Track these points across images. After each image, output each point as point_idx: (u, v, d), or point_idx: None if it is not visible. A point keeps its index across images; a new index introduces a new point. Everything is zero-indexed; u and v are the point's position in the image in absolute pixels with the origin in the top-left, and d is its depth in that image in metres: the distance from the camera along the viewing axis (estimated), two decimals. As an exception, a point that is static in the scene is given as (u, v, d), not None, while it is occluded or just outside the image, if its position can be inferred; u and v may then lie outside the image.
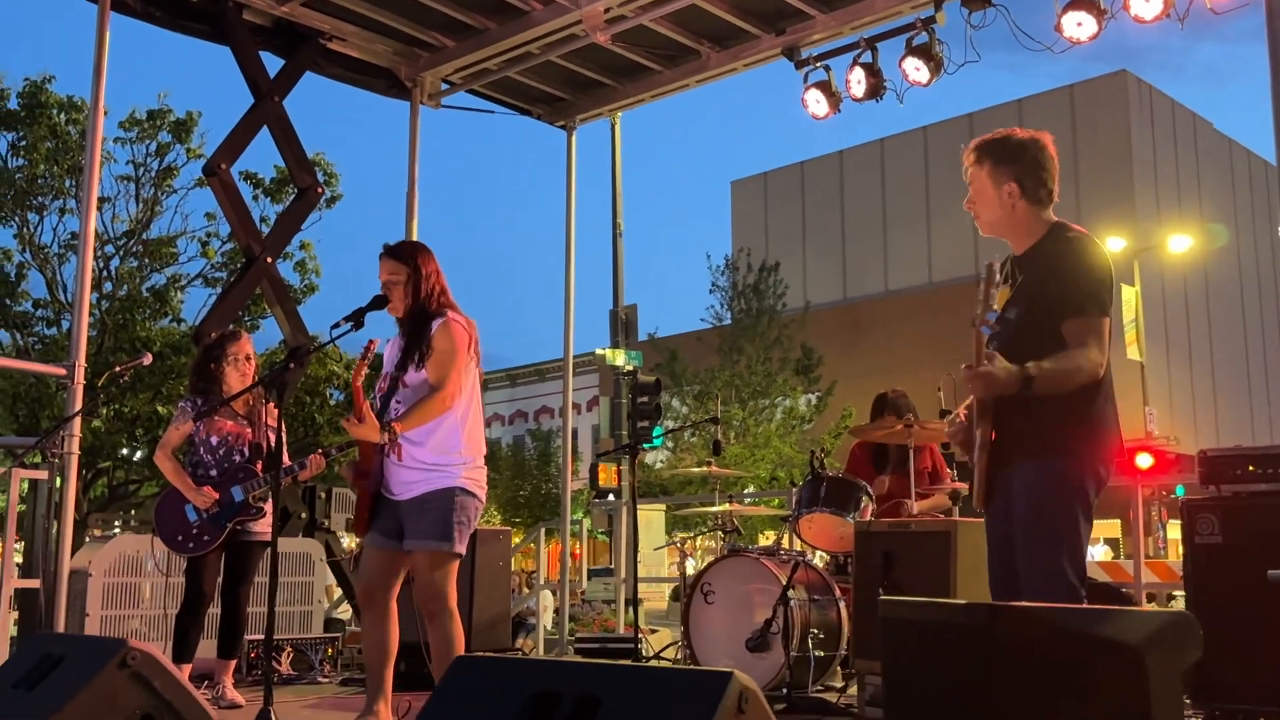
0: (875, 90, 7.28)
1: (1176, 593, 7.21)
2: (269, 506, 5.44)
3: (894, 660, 2.36)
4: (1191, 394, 33.96)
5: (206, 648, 5.54)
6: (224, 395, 5.52)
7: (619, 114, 9.53)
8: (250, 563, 5.54)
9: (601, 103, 9.01)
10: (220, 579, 5.50)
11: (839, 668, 5.87)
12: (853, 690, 5.44)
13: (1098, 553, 25.19)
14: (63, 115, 17.41)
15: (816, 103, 7.60)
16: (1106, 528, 27.35)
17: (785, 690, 5.33)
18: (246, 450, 5.52)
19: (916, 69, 7.07)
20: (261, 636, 6.51)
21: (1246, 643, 3.84)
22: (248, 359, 5.65)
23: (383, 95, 8.78)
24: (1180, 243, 27.65)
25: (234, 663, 5.58)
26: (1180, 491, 9.70)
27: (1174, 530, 23.53)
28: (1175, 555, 20.56)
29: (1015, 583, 3.38)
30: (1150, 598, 7.18)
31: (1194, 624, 2.06)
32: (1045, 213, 3.53)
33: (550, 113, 9.16)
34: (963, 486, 5.98)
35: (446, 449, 4.21)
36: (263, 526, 5.49)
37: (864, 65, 7.34)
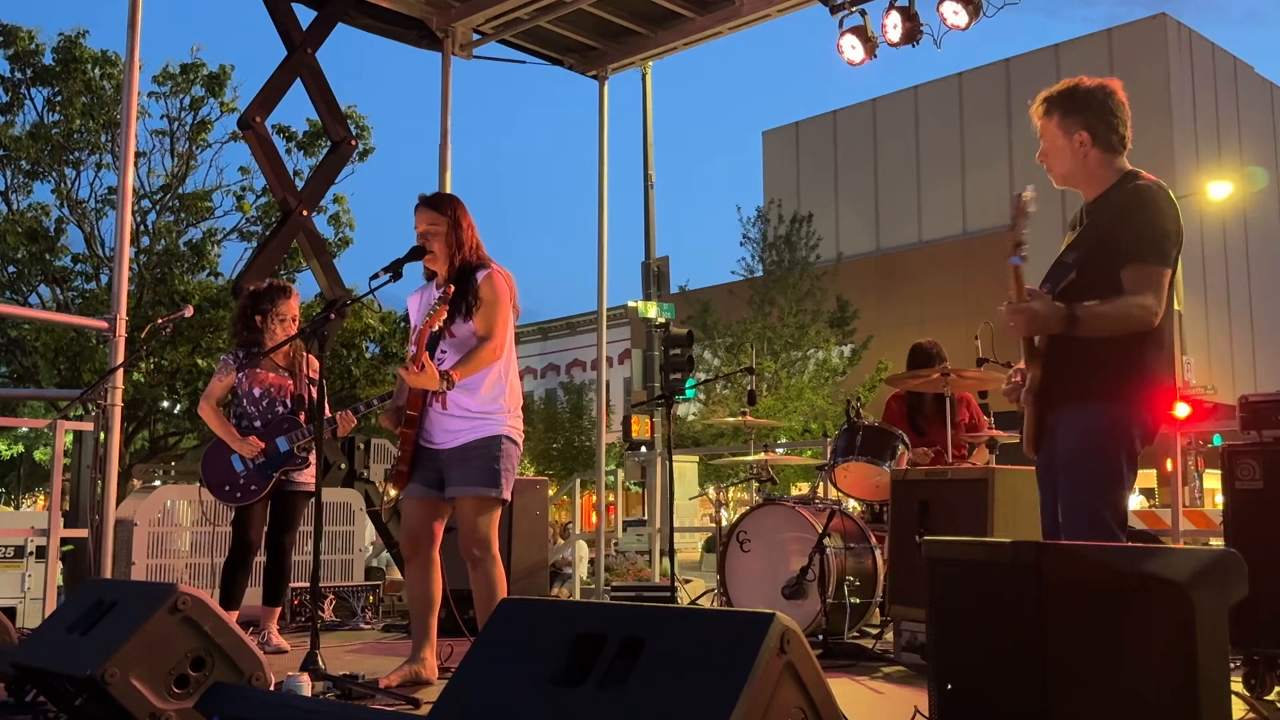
0: (912, 35, 7.19)
1: (1214, 540, 7.17)
2: (312, 457, 5.51)
3: (938, 600, 2.38)
4: (1230, 342, 33.58)
5: (252, 595, 5.63)
6: (263, 342, 5.57)
7: (650, 63, 9.47)
8: (295, 512, 5.62)
9: (633, 51, 8.95)
10: (266, 528, 5.58)
11: (875, 614, 5.90)
12: (888, 636, 5.48)
13: (1132, 502, 25.07)
14: (97, 70, 17.45)
15: (852, 48, 7.51)
16: (1141, 478, 27.13)
17: (821, 637, 5.37)
18: (289, 402, 5.58)
19: (955, 13, 6.98)
20: (306, 584, 6.62)
21: (1287, 587, 3.83)
22: (294, 320, 5.65)
23: (414, 46, 8.76)
24: (1220, 189, 27.20)
25: (279, 610, 5.68)
26: (1217, 441, 9.62)
27: (1210, 480, 23.38)
28: (1211, 504, 20.45)
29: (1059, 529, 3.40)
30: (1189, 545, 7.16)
31: (1240, 562, 2.06)
32: (1118, 160, 3.50)
33: (582, 62, 9.11)
34: (1001, 434, 5.95)
35: (493, 397, 4.27)
36: (306, 476, 5.57)
37: (900, 9, 7.25)
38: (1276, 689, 4.02)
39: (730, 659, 2.16)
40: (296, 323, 5.67)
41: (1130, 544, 2.74)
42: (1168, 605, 2.02)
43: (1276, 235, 36.61)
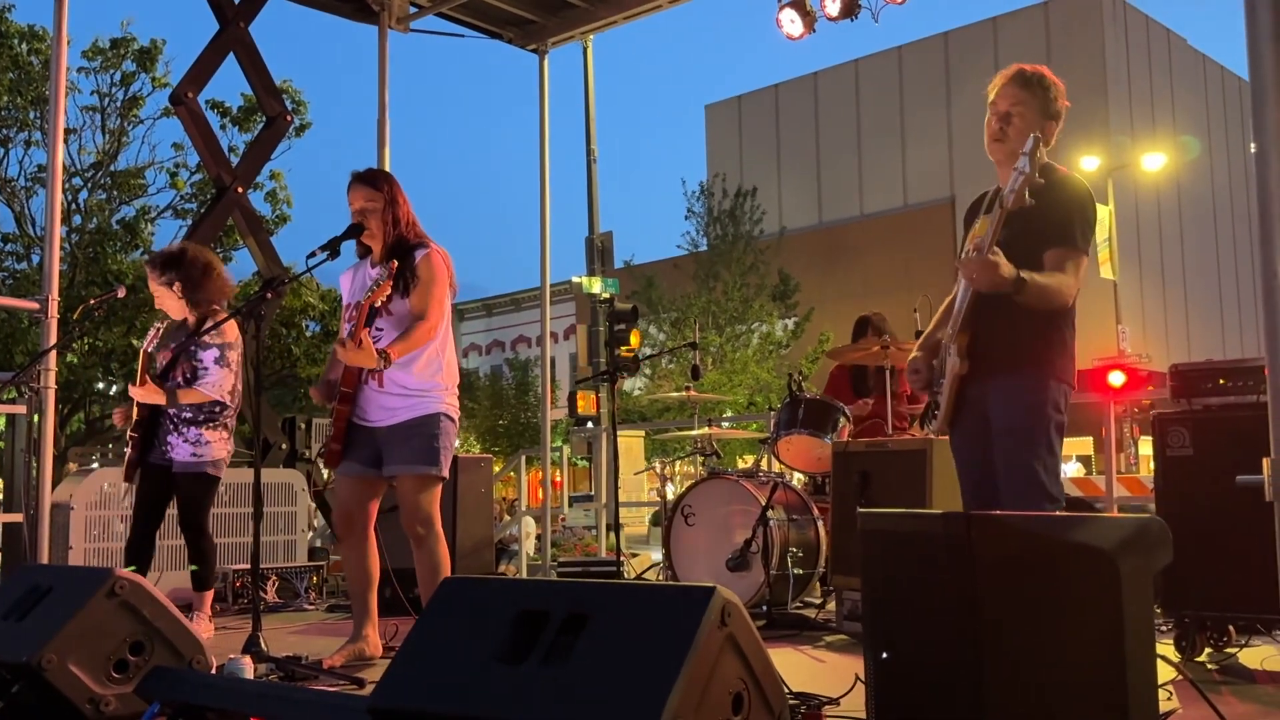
0: (850, 9, 7.21)
1: (1149, 505, 7.34)
2: (208, 434, 5.20)
3: (873, 571, 2.42)
4: (1164, 310, 34.24)
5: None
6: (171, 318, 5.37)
7: (591, 37, 9.42)
8: (188, 494, 5.23)
9: (573, 25, 8.89)
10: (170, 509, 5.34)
11: (817, 584, 5.98)
12: (831, 606, 5.56)
13: (1070, 469, 25.55)
14: (24, 45, 17.04)
15: (791, 22, 7.52)
16: (1079, 445, 27.72)
17: (765, 607, 5.42)
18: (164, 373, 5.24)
19: (891, -14, 7.00)
20: (247, 566, 6.55)
21: (1215, 551, 3.92)
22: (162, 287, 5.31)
23: (349, 19, 8.64)
24: (1154, 161, 27.66)
25: (210, 594, 5.37)
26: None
27: (1145, 446, 23.87)
28: (1146, 470, 20.87)
29: (991, 498, 3.47)
30: (1122, 511, 7.32)
31: (1164, 529, 2.11)
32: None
33: (521, 36, 9.03)
34: None
35: (430, 375, 4.27)
36: (183, 454, 5.20)
37: (838, -17, 7.25)
38: (1207, 650, 4.13)
39: (672, 633, 2.18)
40: (158, 294, 5.33)
41: (1059, 513, 2.80)
42: (1094, 573, 2.07)
43: (1209, 205, 37.35)
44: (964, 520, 2.11)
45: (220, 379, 5.19)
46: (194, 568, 5.32)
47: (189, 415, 5.20)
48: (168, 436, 5.24)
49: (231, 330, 5.28)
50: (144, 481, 5.28)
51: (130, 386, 5.11)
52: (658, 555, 8.03)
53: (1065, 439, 3.51)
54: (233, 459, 5.55)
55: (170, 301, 5.34)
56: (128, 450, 5.25)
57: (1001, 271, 3.27)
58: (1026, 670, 2.09)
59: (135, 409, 5.22)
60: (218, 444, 5.28)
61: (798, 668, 4.20)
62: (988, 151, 3.65)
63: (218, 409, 5.26)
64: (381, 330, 4.21)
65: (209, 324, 5.22)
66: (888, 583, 2.36)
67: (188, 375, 5.22)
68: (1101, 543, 2.06)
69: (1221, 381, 4.18)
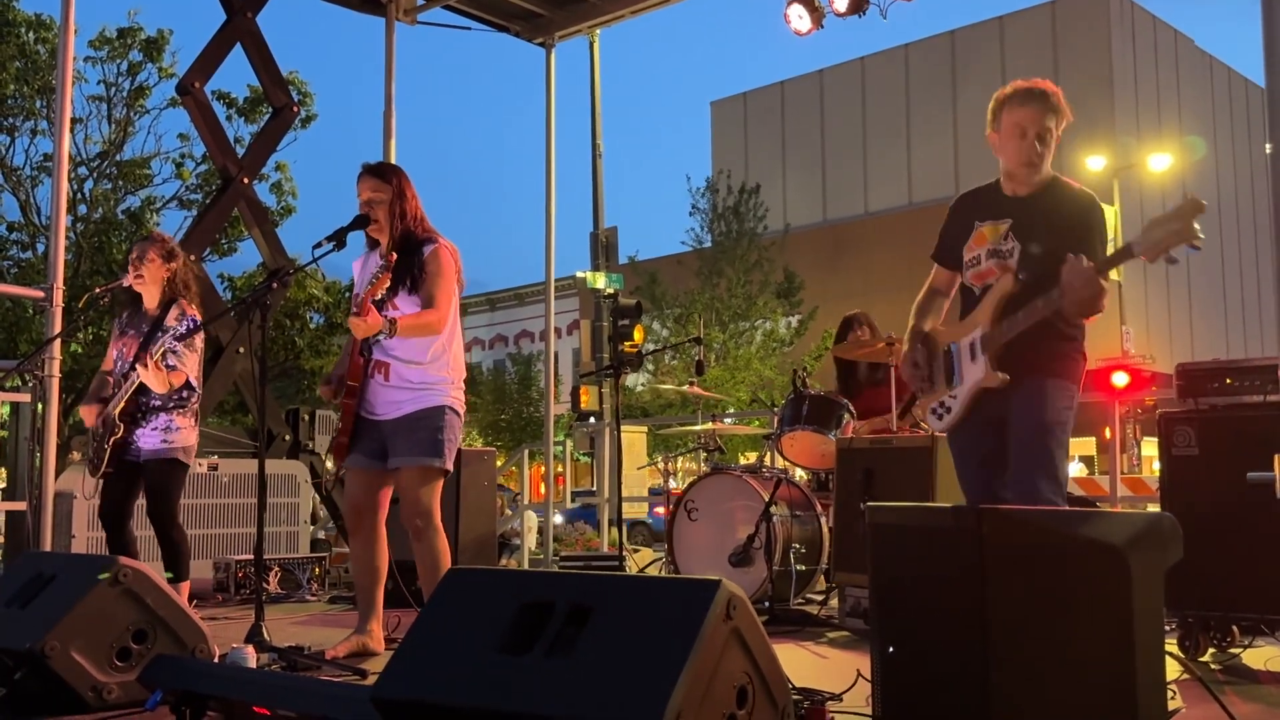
0: (859, 5, 7.20)
1: (1151, 506, 7.33)
2: (179, 420, 5.03)
3: (880, 565, 2.41)
4: (1168, 312, 34.21)
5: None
6: (142, 303, 5.17)
7: (598, 31, 9.42)
8: (158, 482, 5.03)
9: (581, 18, 8.88)
10: (140, 502, 5.15)
11: (821, 581, 5.97)
12: (833, 602, 5.55)
13: (1073, 470, 25.53)
14: (31, 34, 17.04)
15: (799, 18, 7.51)
16: (1081, 445, 27.66)
17: (768, 603, 5.42)
18: (131, 361, 5.03)
19: (900, -17, 6.99)
20: (249, 557, 6.55)
21: (1220, 551, 3.91)
22: (139, 259, 5.12)
23: (356, 11, 8.62)
24: (1160, 161, 27.60)
25: (186, 584, 5.10)
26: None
27: (1148, 447, 23.86)
28: (1149, 471, 20.87)
29: (995, 496, 3.47)
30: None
31: (1175, 525, 2.10)
32: None
33: (528, 29, 9.01)
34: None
35: (436, 369, 4.27)
36: (152, 441, 5.01)
37: (847, -21, 7.24)
38: (1210, 650, 4.12)
39: (677, 626, 2.17)
40: (150, 261, 5.13)
41: (1070, 508, 2.79)
42: (1105, 568, 2.06)
43: (1214, 206, 37.24)
44: (975, 514, 2.10)
45: (191, 363, 5.03)
46: (169, 575, 4.97)
47: (157, 403, 5.01)
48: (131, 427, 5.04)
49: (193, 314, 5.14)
50: (112, 479, 5.07)
51: (140, 369, 4.85)
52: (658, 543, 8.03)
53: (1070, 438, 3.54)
54: (236, 450, 5.52)
55: (154, 278, 5.14)
56: (109, 442, 4.99)
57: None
58: (1034, 666, 2.08)
59: (125, 400, 4.99)
60: (187, 430, 5.08)
61: (800, 664, 4.19)
62: (1018, 171, 3.59)
63: (186, 394, 5.06)
64: (389, 325, 4.21)
65: (176, 311, 5.07)
66: (895, 576, 2.35)
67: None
68: (1113, 538, 2.06)
69: (1228, 381, 4.17)
